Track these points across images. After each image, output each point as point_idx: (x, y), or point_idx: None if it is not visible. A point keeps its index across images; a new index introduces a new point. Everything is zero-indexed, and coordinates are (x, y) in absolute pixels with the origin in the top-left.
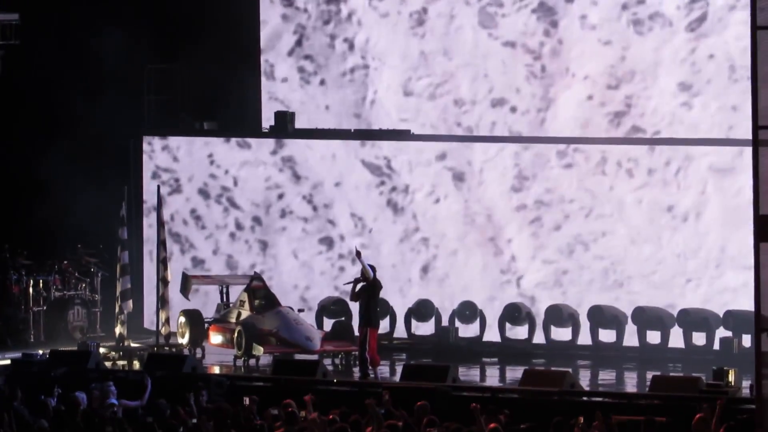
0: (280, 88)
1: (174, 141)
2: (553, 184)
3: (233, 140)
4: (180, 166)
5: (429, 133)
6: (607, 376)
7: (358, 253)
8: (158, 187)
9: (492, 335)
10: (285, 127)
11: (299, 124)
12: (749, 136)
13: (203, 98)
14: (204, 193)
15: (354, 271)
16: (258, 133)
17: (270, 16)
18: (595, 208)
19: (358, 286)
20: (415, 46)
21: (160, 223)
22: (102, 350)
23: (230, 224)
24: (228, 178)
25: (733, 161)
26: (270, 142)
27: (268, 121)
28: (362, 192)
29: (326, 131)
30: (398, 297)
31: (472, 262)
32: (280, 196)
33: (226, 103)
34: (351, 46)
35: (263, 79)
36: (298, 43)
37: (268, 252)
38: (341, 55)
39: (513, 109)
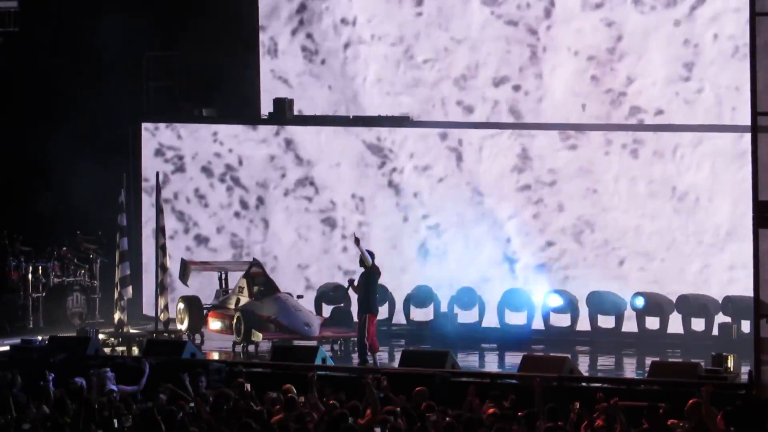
0: (280, 65)
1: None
2: (555, 164)
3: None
4: (183, 143)
5: (428, 112)
6: (606, 362)
7: (357, 240)
8: (157, 174)
9: (491, 321)
10: (284, 113)
11: (299, 104)
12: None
13: (202, 85)
14: (207, 171)
15: (353, 252)
16: (257, 120)
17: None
18: (598, 190)
19: (356, 280)
20: (415, 23)
21: (159, 210)
22: (101, 336)
23: (234, 203)
24: (232, 156)
25: (736, 144)
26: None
27: (267, 103)
28: (362, 172)
29: (325, 118)
30: (398, 277)
31: (473, 244)
32: (283, 176)
33: (225, 89)
34: (345, 22)
35: (267, 57)
36: (300, 22)
37: (270, 230)
38: (339, 32)
39: (516, 88)
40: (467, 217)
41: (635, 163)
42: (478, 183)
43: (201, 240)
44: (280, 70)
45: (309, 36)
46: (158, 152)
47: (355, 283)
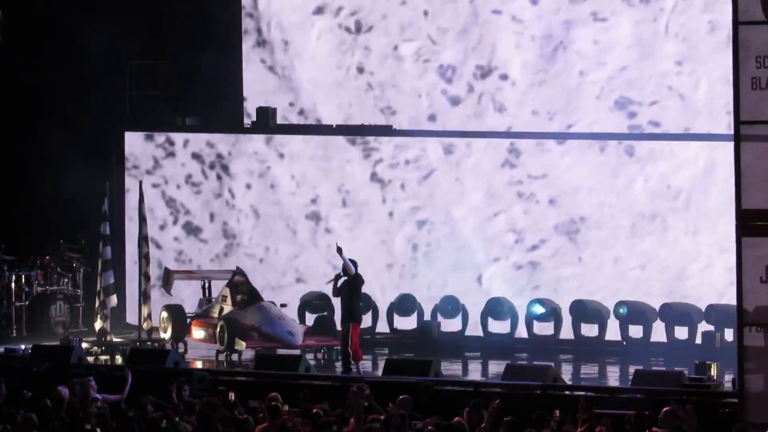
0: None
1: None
2: (546, 163)
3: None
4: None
5: (415, 104)
6: (589, 370)
7: (339, 249)
8: (140, 182)
9: (474, 330)
10: (267, 122)
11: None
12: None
13: (185, 93)
14: (198, 157)
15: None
16: (240, 129)
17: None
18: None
19: (340, 281)
20: (403, 11)
21: (142, 218)
22: (84, 345)
23: (224, 192)
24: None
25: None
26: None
27: (252, 107)
28: (350, 167)
29: (308, 127)
30: (380, 285)
31: (457, 246)
32: (268, 168)
33: (208, 98)
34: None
35: (256, 49)
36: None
37: (261, 220)
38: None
39: (503, 77)
40: (456, 213)
41: (630, 161)
42: (467, 177)
43: (191, 230)
44: (269, 59)
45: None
46: (148, 137)
47: (338, 284)
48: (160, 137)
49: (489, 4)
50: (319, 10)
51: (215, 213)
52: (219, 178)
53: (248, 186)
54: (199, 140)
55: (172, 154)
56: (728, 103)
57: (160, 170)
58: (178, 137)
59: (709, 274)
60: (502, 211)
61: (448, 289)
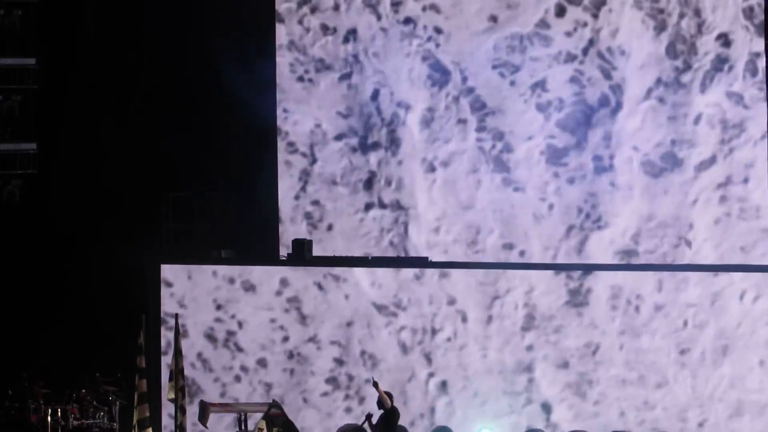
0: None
1: (179, 286)
2: (560, 323)
3: (238, 281)
4: (187, 312)
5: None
6: None
7: (375, 384)
8: (176, 315)
9: None
10: (302, 255)
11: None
12: None
13: (220, 226)
14: (210, 337)
15: (365, 407)
16: (275, 261)
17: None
18: (600, 346)
19: (374, 418)
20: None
21: (178, 352)
22: None
23: (236, 367)
24: (233, 322)
25: (737, 295)
26: (275, 282)
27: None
28: (375, 331)
29: (343, 259)
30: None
31: (491, 386)
32: (285, 339)
33: (244, 231)
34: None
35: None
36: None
37: (273, 393)
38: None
39: (521, 253)
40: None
41: (637, 316)
42: (483, 339)
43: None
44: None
45: (315, 202)
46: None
47: (374, 420)
48: (172, 321)
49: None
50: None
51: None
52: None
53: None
54: (207, 319)
55: (184, 335)
56: None
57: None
58: (189, 320)
59: (732, 417)
60: (525, 371)
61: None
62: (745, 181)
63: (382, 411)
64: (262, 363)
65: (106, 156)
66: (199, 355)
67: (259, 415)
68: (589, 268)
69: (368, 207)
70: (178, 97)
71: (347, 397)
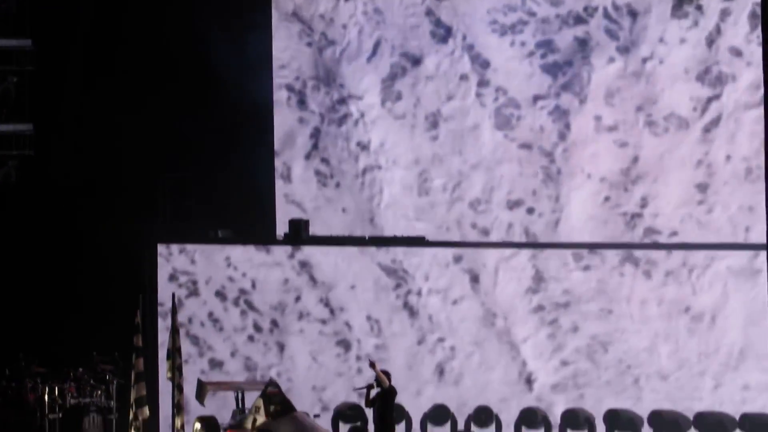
0: (296, 189)
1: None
2: (570, 285)
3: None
4: (197, 268)
5: (443, 235)
6: None
7: (372, 363)
8: (173, 294)
9: None
10: (299, 234)
11: (314, 227)
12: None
13: (217, 206)
14: (221, 295)
15: (369, 374)
16: (273, 240)
17: (284, 120)
18: (613, 310)
19: (373, 392)
20: (429, 148)
21: (175, 330)
22: None
23: (248, 326)
24: (246, 280)
25: (749, 263)
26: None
27: (282, 224)
28: (378, 295)
29: (341, 238)
30: (413, 399)
31: (488, 364)
32: (297, 299)
33: (241, 210)
34: (364, 148)
35: (279, 182)
36: (314, 146)
37: (285, 354)
38: (355, 157)
39: (529, 211)
40: (483, 338)
41: (648, 283)
42: (494, 303)
43: (215, 364)
44: (294, 194)
45: (324, 160)
46: (172, 277)
47: (371, 395)
48: (183, 277)
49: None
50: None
51: (238, 348)
52: (243, 313)
53: (274, 322)
54: (221, 276)
55: (195, 294)
56: (749, 229)
57: (182, 310)
58: (200, 275)
59: (742, 383)
60: (531, 336)
61: (481, 398)
62: None
63: (378, 389)
64: (274, 323)
65: (103, 137)
66: (210, 314)
67: (257, 393)
68: (594, 247)
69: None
70: (175, 77)
71: (358, 358)
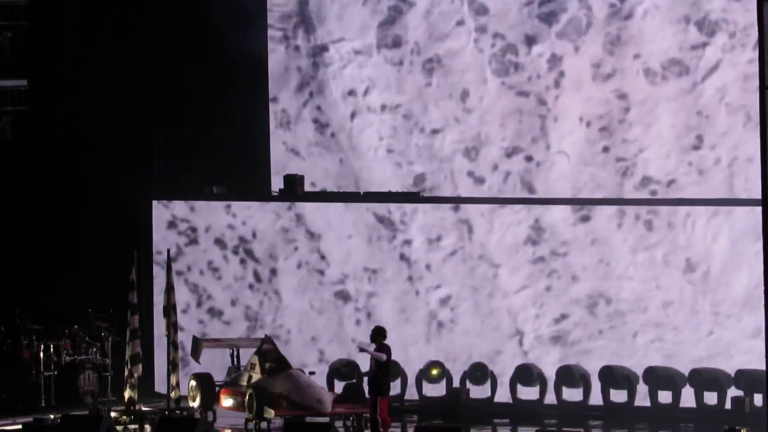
0: (292, 137)
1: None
2: (567, 237)
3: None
4: (196, 216)
5: (438, 183)
6: None
7: (361, 349)
8: (168, 251)
9: (503, 396)
10: (294, 190)
11: (311, 177)
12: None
13: (212, 162)
14: (221, 243)
15: (366, 326)
16: (267, 196)
17: (277, 65)
18: (610, 263)
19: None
20: (425, 93)
21: (170, 287)
22: (113, 414)
23: (248, 276)
24: (245, 228)
25: (749, 215)
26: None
27: (278, 178)
28: (374, 244)
29: (335, 194)
30: (409, 352)
31: (483, 317)
32: (296, 249)
33: (236, 166)
34: (356, 93)
35: (280, 130)
36: (309, 94)
37: (283, 303)
38: (349, 102)
39: (527, 158)
40: (479, 289)
41: (648, 234)
42: (490, 255)
43: (214, 313)
44: (291, 142)
45: (318, 108)
46: (171, 224)
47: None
48: (183, 224)
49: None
50: (351, 93)
51: (238, 297)
52: (242, 262)
53: (273, 271)
54: (221, 224)
55: (195, 242)
56: (747, 179)
57: (182, 258)
58: (200, 223)
59: (737, 340)
60: (527, 286)
61: (476, 355)
62: None
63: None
64: (273, 272)
65: (98, 93)
66: (210, 263)
67: (252, 350)
68: (593, 203)
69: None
70: (170, 32)
71: (356, 309)
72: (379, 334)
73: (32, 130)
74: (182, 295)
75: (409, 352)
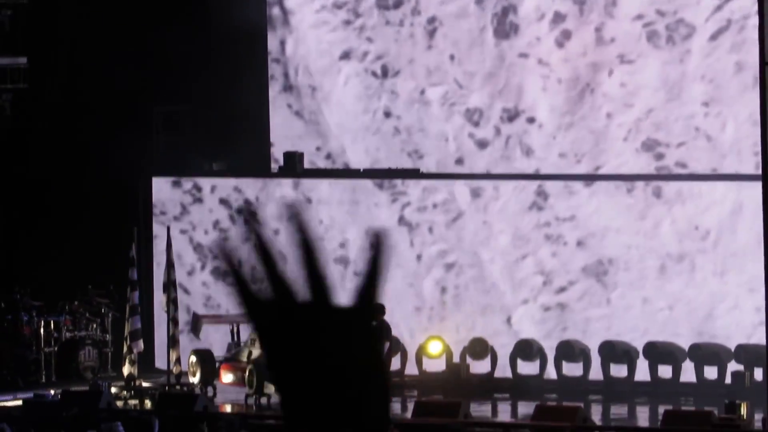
0: (295, 100)
1: None
2: (574, 205)
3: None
4: (201, 178)
5: (441, 148)
6: (619, 410)
7: None
8: (168, 228)
9: (503, 371)
10: (294, 167)
11: (313, 139)
12: None
13: (212, 138)
14: (226, 203)
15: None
16: (267, 173)
17: (275, 44)
18: (618, 228)
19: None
20: (429, 56)
21: (170, 264)
22: (113, 390)
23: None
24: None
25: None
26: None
27: (278, 151)
28: (377, 210)
29: (336, 171)
30: (410, 321)
31: (486, 288)
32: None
33: (235, 143)
34: (357, 57)
35: (284, 94)
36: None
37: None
38: (349, 66)
39: (529, 120)
40: (484, 255)
41: (657, 202)
42: (495, 220)
43: (219, 274)
44: (294, 104)
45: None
46: (175, 183)
47: None
48: (188, 183)
49: (515, 47)
50: (346, 55)
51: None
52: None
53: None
54: (226, 186)
55: (199, 200)
56: (756, 144)
57: (187, 216)
58: (205, 183)
59: (738, 314)
60: (530, 253)
61: (476, 330)
62: None
63: None
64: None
65: (97, 70)
66: (216, 222)
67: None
68: (593, 179)
69: None
70: (169, 9)
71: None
72: (377, 311)
73: (31, 107)
74: (187, 257)
75: (409, 328)
